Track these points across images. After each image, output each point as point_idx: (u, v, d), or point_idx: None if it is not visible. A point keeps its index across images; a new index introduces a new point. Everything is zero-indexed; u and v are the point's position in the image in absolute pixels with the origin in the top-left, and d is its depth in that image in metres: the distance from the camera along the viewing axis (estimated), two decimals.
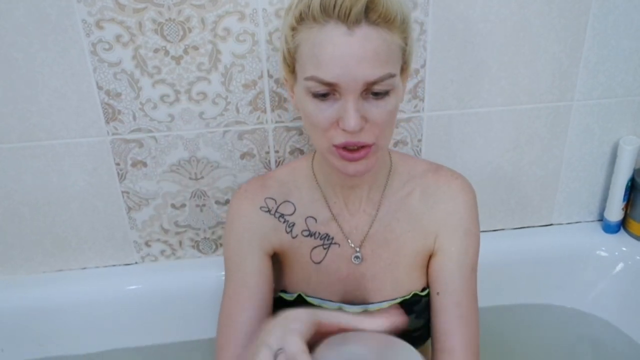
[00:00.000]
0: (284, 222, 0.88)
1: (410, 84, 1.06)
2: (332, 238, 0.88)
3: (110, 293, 1.15)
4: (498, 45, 1.04)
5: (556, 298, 1.24)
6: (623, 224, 1.23)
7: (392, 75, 0.72)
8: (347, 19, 0.68)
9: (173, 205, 1.13)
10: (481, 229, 1.22)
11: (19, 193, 1.08)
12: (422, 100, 1.08)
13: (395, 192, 0.89)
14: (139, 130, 1.04)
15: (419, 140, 1.12)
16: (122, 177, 1.09)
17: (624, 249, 1.21)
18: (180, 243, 1.17)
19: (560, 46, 1.06)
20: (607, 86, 1.11)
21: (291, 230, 0.88)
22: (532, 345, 1.20)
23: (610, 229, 1.23)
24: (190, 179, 1.10)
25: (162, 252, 1.18)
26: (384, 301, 0.88)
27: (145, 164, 1.08)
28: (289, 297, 0.90)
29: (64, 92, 1.00)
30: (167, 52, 0.98)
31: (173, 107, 1.03)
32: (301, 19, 0.72)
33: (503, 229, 1.25)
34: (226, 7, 0.95)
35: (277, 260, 0.92)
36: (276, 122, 1.06)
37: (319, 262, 0.88)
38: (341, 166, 0.77)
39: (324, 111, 0.73)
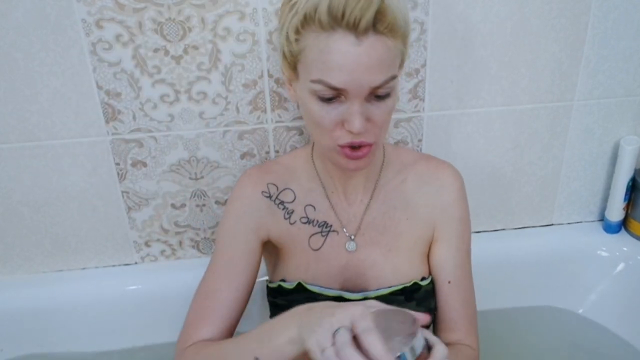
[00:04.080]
0: (283, 208, 0.91)
1: (410, 84, 1.06)
2: (331, 226, 0.91)
3: (110, 293, 1.14)
4: (498, 45, 1.04)
5: (557, 298, 1.24)
6: (624, 224, 1.23)
7: (394, 77, 0.75)
8: (355, 29, 0.69)
9: (173, 205, 1.13)
10: (481, 229, 1.24)
11: (19, 193, 1.08)
12: (422, 100, 1.08)
13: (389, 181, 0.92)
14: (138, 130, 1.04)
15: (419, 140, 1.12)
16: (122, 177, 1.09)
17: (624, 249, 1.21)
18: (180, 243, 1.17)
19: (560, 46, 1.06)
20: (607, 86, 1.11)
21: (289, 217, 0.91)
22: (532, 347, 1.20)
23: (611, 229, 1.22)
24: (190, 178, 1.10)
25: (162, 252, 1.18)
26: (383, 287, 0.89)
27: (145, 164, 1.08)
28: (288, 285, 0.90)
29: (64, 92, 1.00)
30: (167, 52, 0.98)
31: (173, 107, 1.03)
32: (306, 22, 0.72)
33: (503, 229, 1.25)
34: (226, 6, 0.95)
35: (275, 250, 0.93)
36: (276, 121, 1.06)
37: (317, 249, 0.90)
38: (344, 163, 0.79)
39: (329, 113, 0.75)
